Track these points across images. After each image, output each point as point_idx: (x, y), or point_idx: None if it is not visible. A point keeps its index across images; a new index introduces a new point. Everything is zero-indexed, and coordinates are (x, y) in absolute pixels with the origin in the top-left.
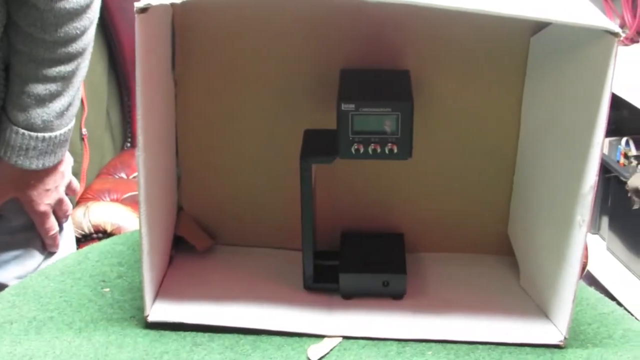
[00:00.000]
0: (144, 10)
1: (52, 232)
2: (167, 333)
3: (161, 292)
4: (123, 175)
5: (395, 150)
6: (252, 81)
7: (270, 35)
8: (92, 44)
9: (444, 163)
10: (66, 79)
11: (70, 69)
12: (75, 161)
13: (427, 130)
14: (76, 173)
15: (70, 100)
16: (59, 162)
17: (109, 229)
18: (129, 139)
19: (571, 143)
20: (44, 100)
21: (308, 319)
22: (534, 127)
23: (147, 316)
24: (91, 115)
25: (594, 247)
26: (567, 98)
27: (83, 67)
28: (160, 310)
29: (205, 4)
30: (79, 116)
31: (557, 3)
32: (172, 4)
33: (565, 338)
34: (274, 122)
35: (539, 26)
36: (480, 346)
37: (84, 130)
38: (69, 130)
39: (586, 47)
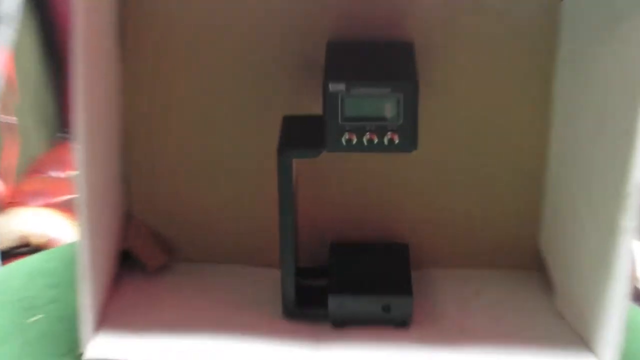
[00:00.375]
0: None
1: None
2: None
3: (104, 321)
4: (57, 173)
5: (397, 141)
6: (217, 58)
7: (241, 5)
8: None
9: (458, 157)
10: None
11: None
12: None
13: (438, 116)
14: None
15: None
16: None
17: (37, 242)
18: (64, 129)
19: (612, 133)
20: None
21: (289, 354)
22: (567, 114)
23: (83, 353)
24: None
25: None
26: (607, 77)
27: None
28: (102, 344)
29: None
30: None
31: None
32: None
33: None
34: (244, 108)
35: None
36: None
37: (11, 119)
38: None
39: (630, 16)
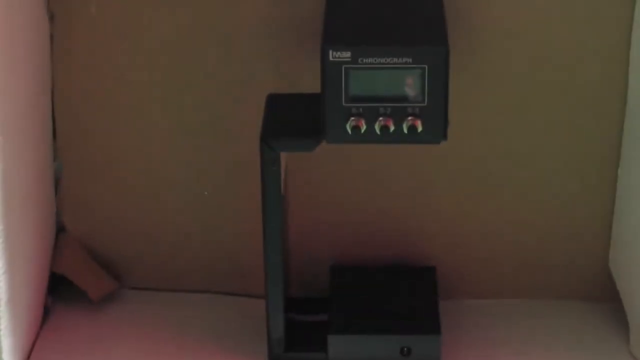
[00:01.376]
0: None
1: None
2: None
3: None
4: None
5: (420, 129)
6: (178, 17)
7: None
8: None
9: (501, 152)
10: None
11: None
12: None
13: (474, 96)
14: None
15: None
16: None
17: None
18: None
19: None
20: None
21: None
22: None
23: None
24: None
25: None
26: None
27: None
28: None
29: None
30: None
31: None
32: None
33: None
34: (216, 85)
35: None
36: None
37: None
38: None
39: None
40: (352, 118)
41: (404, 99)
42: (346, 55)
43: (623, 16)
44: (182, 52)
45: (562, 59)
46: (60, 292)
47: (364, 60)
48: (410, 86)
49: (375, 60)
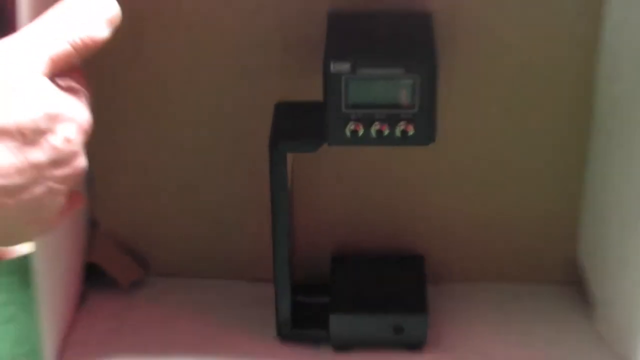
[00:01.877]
0: None
1: None
2: None
3: (68, 344)
4: None
5: (411, 133)
6: (197, 36)
7: None
8: None
9: (483, 152)
10: None
11: None
12: None
13: (459, 103)
14: None
15: None
16: None
17: None
18: None
19: None
20: None
21: None
22: (614, 101)
23: None
24: None
25: None
26: None
27: None
28: None
29: None
30: None
31: None
32: None
33: None
34: (229, 95)
35: None
36: None
37: None
38: None
39: None
40: (351, 123)
41: (397, 106)
42: (346, 67)
43: (591, 33)
44: (204, 66)
45: (536, 72)
46: (93, 279)
47: (362, 72)
48: (403, 95)
49: (372, 72)
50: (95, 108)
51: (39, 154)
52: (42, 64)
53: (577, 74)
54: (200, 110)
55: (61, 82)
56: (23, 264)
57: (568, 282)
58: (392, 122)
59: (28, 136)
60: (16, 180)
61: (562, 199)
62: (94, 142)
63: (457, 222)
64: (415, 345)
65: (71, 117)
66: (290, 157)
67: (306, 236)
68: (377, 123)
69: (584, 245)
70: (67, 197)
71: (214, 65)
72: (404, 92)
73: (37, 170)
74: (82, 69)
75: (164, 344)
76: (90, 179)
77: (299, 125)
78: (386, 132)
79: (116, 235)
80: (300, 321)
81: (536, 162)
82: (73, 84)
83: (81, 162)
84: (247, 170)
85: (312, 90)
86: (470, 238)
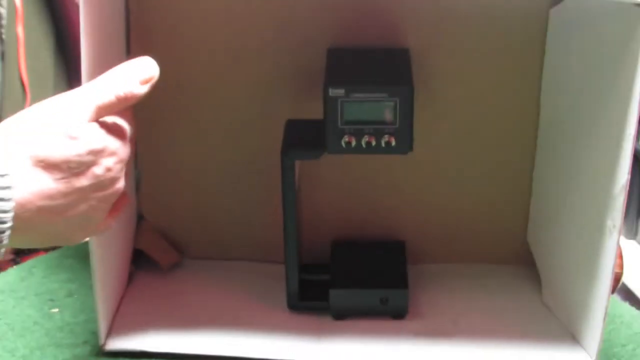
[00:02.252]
0: None
1: None
2: None
3: (119, 314)
4: None
5: (393, 144)
6: (224, 66)
7: (244, 12)
8: None
9: (451, 158)
10: None
11: None
12: None
13: (431, 119)
14: None
15: None
16: None
17: None
18: None
19: (598, 135)
20: None
21: (293, 345)
22: (555, 116)
23: (103, 345)
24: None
25: (630, 255)
26: (593, 82)
27: None
28: (118, 337)
29: None
30: (16, 105)
31: None
32: None
33: None
34: (249, 113)
35: None
36: None
37: None
38: None
39: (612, 21)
40: (345, 136)
41: (382, 122)
42: (341, 92)
43: (535, 61)
44: (228, 89)
45: (491, 94)
46: (139, 262)
47: (354, 96)
48: (387, 114)
49: (362, 95)
50: (145, 127)
51: (83, 181)
52: (90, 111)
53: (522, 94)
54: (227, 127)
55: (109, 121)
56: (83, 249)
57: (521, 263)
58: (378, 135)
59: (74, 168)
60: (61, 201)
61: (515, 195)
62: (143, 151)
63: (432, 214)
64: (399, 315)
65: (112, 151)
66: (297, 163)
67: (310, 227)
68: (366, 136)
69: (533, 233)
70: (113, 204)
71: (238, 92)
72: (387, 111)
73: (81, 193)
74: (130, 109)
75: (196, 314)
76: (138, 180)
77: (305, 137)
78: (373, 143)
79: (158, 227)
80: (306, 295)
81: (493, 166)
82: (119, 122)
83: (120, 184)
84: (263, 174)
85: (314, 110)
86: (442, 227)
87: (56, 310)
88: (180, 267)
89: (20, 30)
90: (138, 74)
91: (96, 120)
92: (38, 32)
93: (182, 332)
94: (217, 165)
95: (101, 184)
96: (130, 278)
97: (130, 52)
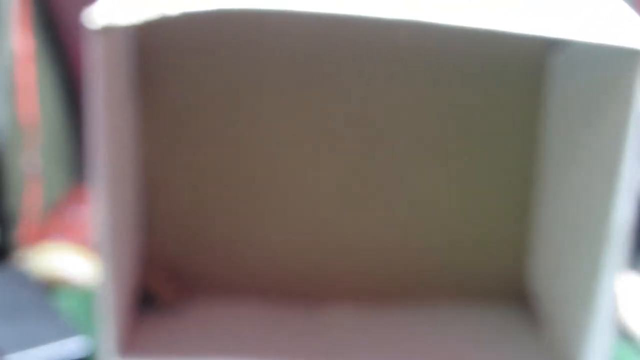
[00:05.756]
0: (104, 30)
1: None
2: None
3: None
4: (78, 214)
5: None
6: (237, 109)
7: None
8: None
9: (445, 195)
10: None
11: None
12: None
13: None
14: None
15: None
16: None
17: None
18: (85, 171)
19: (597, 174)
20: None
21: None
22: (555, 156)
23: None
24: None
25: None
26: (592, 123)
27: None
28: None
29: (179, 24)
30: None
31: (579, 12)
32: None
33: None
34: (265, 152)
35: (557, 42)
36: None
37: (34, 160)
38: None
39: (610, 65)
40: None
41: None
42: None
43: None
44: (242, 130)
45: (489, 127)
46: (147, 300)
47: None
48: None
49: None
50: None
51: None
52: None
53: (519, 144)
54: (242, 169)
55: None
56: (83, 290)
57: (515, 299)
58: None
59: None
60: None
61: (512, 233)
62: (151, 192)
63: (405, 241)
64: None
65: None
66: None
67: None
68: None
69: (530, 266)
70: None
71: (252, 132)
72: None
73: None
74: None
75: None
76: (148, 221)
77: None
78: None
79: (166, 264)
80: None
81: (487, 193)
82: None
83: None
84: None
85: None
86: (424, 259)
87: None
88: (190, 306)
89: (29, 73)
90: None
91: None
92: (47, 76)
93: None
94: (236, 205)
95: None
96: (136, 318)
97: (138, 96)
